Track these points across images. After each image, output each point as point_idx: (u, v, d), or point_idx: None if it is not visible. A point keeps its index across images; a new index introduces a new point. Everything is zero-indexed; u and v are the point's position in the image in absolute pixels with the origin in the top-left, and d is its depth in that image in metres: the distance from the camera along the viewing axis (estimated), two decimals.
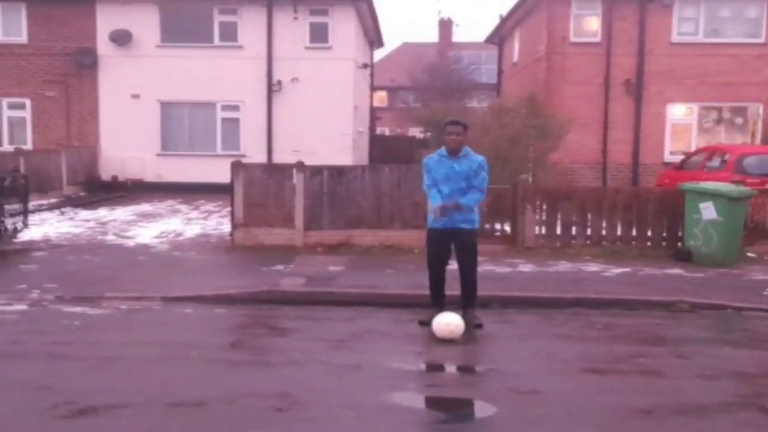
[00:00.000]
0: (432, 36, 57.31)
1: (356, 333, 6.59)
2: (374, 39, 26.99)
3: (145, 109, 19.74)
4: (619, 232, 10.51)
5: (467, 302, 6.75)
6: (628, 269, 9.21)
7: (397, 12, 78.42)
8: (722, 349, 6.32)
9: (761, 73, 18.30)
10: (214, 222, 13.47)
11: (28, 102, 20.04)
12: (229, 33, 19.81)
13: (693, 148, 17.33)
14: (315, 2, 19.74)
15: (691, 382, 5.36)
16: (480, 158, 6.73)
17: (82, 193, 18.34)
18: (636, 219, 10.49)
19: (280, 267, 9.08)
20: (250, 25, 19.69)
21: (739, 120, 18.89)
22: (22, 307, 7.29)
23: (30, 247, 10.50)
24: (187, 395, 4.84)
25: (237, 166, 10.70)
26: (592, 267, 9.37)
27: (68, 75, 19.90)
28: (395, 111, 40.69)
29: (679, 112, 18.79)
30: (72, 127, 20.03)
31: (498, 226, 10.68)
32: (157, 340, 6.24)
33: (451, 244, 6.69)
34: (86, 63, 19.69)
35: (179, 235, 11.88)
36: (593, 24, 18.64)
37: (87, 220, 13.47)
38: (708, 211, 9.58)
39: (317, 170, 10.65)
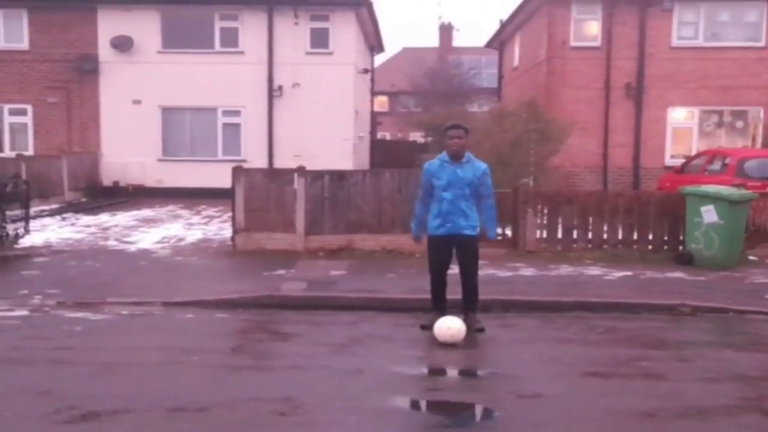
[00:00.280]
0: (432, 41, 57.35)
1: (358, 337, 6.59)
2: (375, 44, 27.04)
3: (147, 114, 19.79)
4: (620, 236, 10.51)
5: (469, 306, 6.75)
6: (629, 273, 9.21)
7: (397, 17, 78.63)
8: (724, 352, 6.31)
9: (761, 76, 18.32)
10: (215, 227, 13.49)
11: (29, 108, 20.09)
12: (230, 39, 19.87)
13: (694, 152, 17.33)
14: (316, 8, 19.81)
15: (692, 385, 5.36)
16: (484, 165, 6.74)
17: (83, 199, 18.37)
18: (637, 222, 10.49)
19: (281, 271, 9.08)
20: (251, 30, 19.75)
21: (739, 123, 18.90)
22: (24, 312, 7.29)
23: (31, 252, 10.51)
24: (188, 400, 4.84)
25: (238, 171, 10.71)
26: (594, 271, 9.37)
27: (70, 81, 19.96)
28: (396, 116, 40.70)
29: (679, 115, 18.81)
30: (73, 133, 20.07)
31: (499, 230, 10.66)
32: (159, 345, 6.24)
33: (453, 249, 6.69)
34: (87, 69, 19.74)
35: (180, 240, 11.89)
36: (593, 28, 18.68)
37: (88, 226, 13.49)
38: (709, 214, 9.58)
39: (318, 175, 10.66)
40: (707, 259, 9.61)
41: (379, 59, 35.57)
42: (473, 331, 6.52)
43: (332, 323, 7.10)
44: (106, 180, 19.82)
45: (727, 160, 13.52)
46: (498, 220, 10.61)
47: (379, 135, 35.13)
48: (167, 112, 20.04)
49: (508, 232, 10.71)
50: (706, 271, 9.34)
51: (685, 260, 9.80)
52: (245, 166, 11.84)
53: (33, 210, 13.14)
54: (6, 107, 20.12)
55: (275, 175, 11.19)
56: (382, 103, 42.26)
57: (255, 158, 19.09)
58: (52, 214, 15.03)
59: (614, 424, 4.58)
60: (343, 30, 20.00)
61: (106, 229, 13.14)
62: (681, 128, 18.82)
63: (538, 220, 10.59)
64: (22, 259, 10.11)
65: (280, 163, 18.76)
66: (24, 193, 12.08)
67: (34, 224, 12.59)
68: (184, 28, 19.87)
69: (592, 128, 18.17)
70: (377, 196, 10.55)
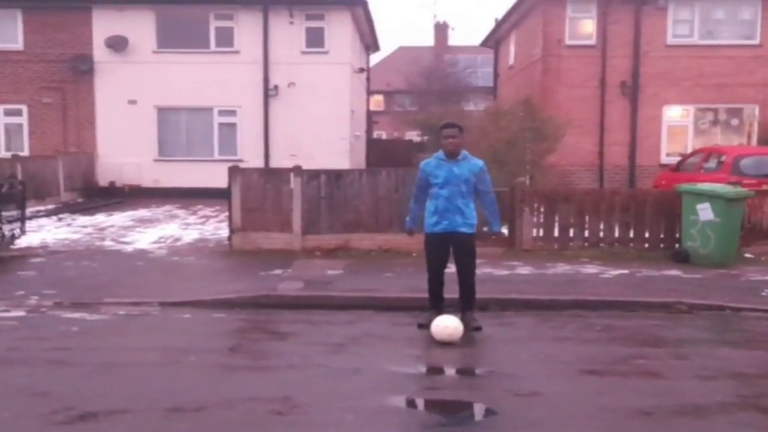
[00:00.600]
0: (428, 40, 57.33)
1: (355, 337, 6.59)
2: (370, 43, 27.03)
3: (142, 114, 19.75)
4: (616, 234, 10.54)
5: (466, 305, 6.75)
6: (626, 271, 9.22)
7: (393, 16, 78.61)
8: (720, 349, 6.33)
9: (756, 74, 18.37)
10: (211, 227, 13.47)
11: (24, 108, 20.04)
12: (226, 38, 19.84)
13: (689, 150, 17.38)
14: (311, 7, 19.79)
15: (689, 382, 5.37)
16: (480, 162, 6.75)
17: (79, 199, 18.33)
18: (633, 221, 10.51)
19: (278, 271, 9.08)
20: (247, 30, 19.73)
21: (735, 121, 18.95)
22: (21, 313, 7.27)
23: (28, 253, 10.49)
24: (186, 400, 4.84)
25: (234, 171, 10.71)
26: (590, 269, 9.39)
27: (65, 81, 19.91)
28: (392, 115, 40.73)
29: (675, 113, 18.86)
30: (69, 134, 20.03)
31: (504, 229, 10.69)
32: (156, 346, 6.24)
33: (450, 248, 6.70)
34: (83, 69, 19.70)
35: (177, 240, 11.88)
36: (588, 27, 18.70)
37: (85, 226, 13.46)
38: (705, 212, 9.60)
39: (315, 174, 10.66)
40: (703, 256, 9.63)
41: (375, 58, 35.59)
42: (470, 329, 6.52)
43: (329, 323, 7.10)
44: (102, 180, 19.78)
45: (723, 158, 13.56)
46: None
47: (376, 134, 35.15)
48: (163, 112, 20.01)
49: (505, 230, 10.70)
50: (703, 268, 9.37)
51: (682, 258, 9.82)
52: (241, 165, 11.84)
53: (29, 211, 13.09)
54: (1, 108, 20.06)
55: (272, 175, 11.18)
56: (378, 102, 42.28)
57: (251, 158, 19.08)
58: (48, 214, 15.00)
59: (612, 422, 4.59)
60: (339, 29, 19.99)
61: (102, 229, 13.12)
62: (676, 126, 18.87)
63: (535, 219, 10.61)
64: (18, 259, 10.08)
65: (276, 162, 18.76)
66: (20, 193, 12.03)
67: (30, 225, 12.55)
68: (179, 27, 19.84)
69: (588, 126, 18.20)
70: (374, 196, 10.55)
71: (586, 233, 10.56)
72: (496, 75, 27.48)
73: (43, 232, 12.50)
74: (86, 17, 19.76)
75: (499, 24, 24.67)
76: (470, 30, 77.68)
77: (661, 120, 18.71)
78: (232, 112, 19.97)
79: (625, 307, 7.61)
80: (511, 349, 6.32)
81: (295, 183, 10.53)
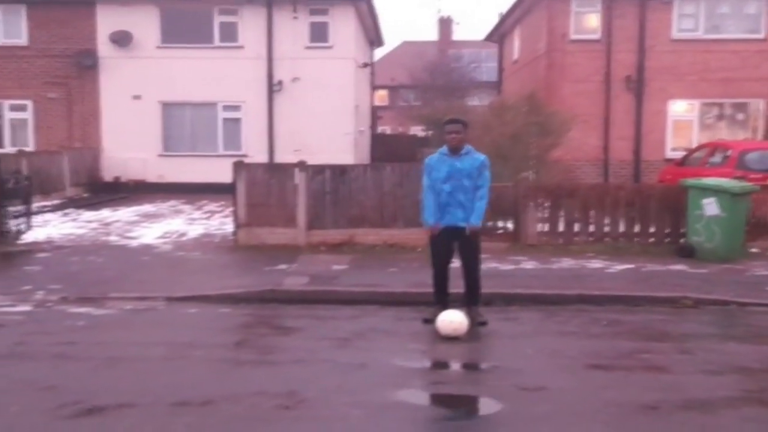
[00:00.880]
0: (432, 34, 57.30)
1: (360, 331, 6.60)
2: (374, 38, 27.00)
3: (147, 110, 19.78)
4: (621, 229, 10.52)
5: (471, 300, 6.76)
6: (631, 266, 9.22)
7: (397, 10, 78.46)
8: (726, 344, 6.33)
9: (762, 68, 18.29)
10: (216, 222, 13.49)
11: (29, 104, 20.08)
12: (230, 33, 19.83)
13: (694, 145, 17.31)
14: (315, 2, 19.76)
15: (695, 377, 5.37)
16: (482, 157, 6.73)
17: (84, 194, 18.38)
18: (638, 215, 10.50)
19: (283, 266, 9.09)
20: (250, 25, 19.72)
21: (740, 116, 18.88)
22: (27, 308, 7.30)
23: (34, 248, 10.52)
24: (192, 395, 4.86)
25: (239, 166, 10.72)
26: (596, 264, 9.38)
27: (69, 76, 19.94)
28: (396, 110, 40.69)
29: (680, 108, 18.79)
30: (74, 129, 20.06)
31: (500, 224, 10.69)
32: (162, 340, 6.25)
33: (454, 242, 6.70)
34: (87, 64, 19.72)
35: (182, 235, 11.90)
36: (593, 21, 18.63)
37: (90, 221, 13.49)
38: (710, 207, 9.58)
39: (319, 170, 10.67)
40: (709, 251, 9.61)
41: (379, 53, 35.58)
42: (476, 324, 6.53)
43: (335, 317, 7.12)
44: (107, 175, 19.83)
45: (728, 153, 13.51)
46: (499, 213, 10.71)
47: (380, 129, 35.10)
48: (167, 107, 20.03)
49: (510, 225, 10.72)
50: (708, 263, 9.35)
51: (687, 253, 9.80)
52: (246, 161, 11.83)
53: (34, 206, 13.13)
54: (6, 103, 20.10)
55: (276, 170, 11.19)
56: (382, 97, 42.23)
57: (256, 153, 19.08)
58: (53, 209, 15.04)
59: (617, 417, 4.59)
60: (343, 24, 19.96)
61: (107, 224, 13.15)
62: (682, 121, 18.80)
63: (540, 214, 10.60)
64: (24, 254, 10.12)
65: (280, 157, 18.76)
66: (25, 188, 12.07)
67: (35, 220, 12.59)
68: (183, 22, 19.83)
69: (593, 121, 18.15)
70: (378, 191, 10.55)
71: (591, 228, 10.55)
72: (500, 70, 27.43)
73: (49, 227, 12.53)
74: (90, 12, 19.78)
75: (503, 19, 24.60)
76: (474, 25, 77.50)
77: (667, 115, 18.65)
78: (237, 108, 19.98)
79: (630, 302, 7.60)
80: (517, 343, 6.32)
81: (299, 178, 10.54)
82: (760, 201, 10.43)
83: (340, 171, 10.74)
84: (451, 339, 6.21)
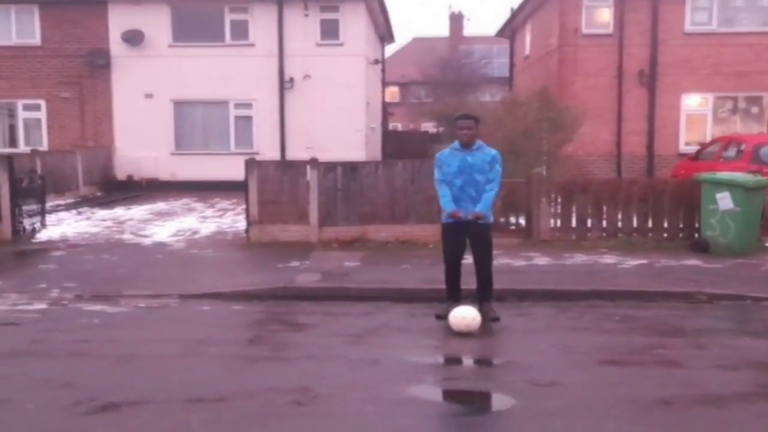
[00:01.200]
0: (443, 30, 57.10)
1: (373, 328, 6.61)
2: (385, 34, 26.96)
3: (159, 108, 19.87)
4: (635, 224, 10.47)
5: (483, 296, 6.75)
6: (644, 261, 9.17)
7: (407, 7, 78.32)
8: (741, 339, 6.29)
9: None
10: (229, 219, 13.54)
11: (43, 103, 20.22)
12: (241, 31, 19.88)
13: (708, 139, 17.20)
14: None
15: (709, 372, 5.34)
16: (494, 151, 6.72)
17: (98, 193, 18.50)
18: (652, 210, 10.44)
19: (295, 263, 9.12)
20: (261, 22, 19.75)
21: (754, 109, 18.71)
22: (43, 306, 7.37)
23: (48, 246, 10.61)
24: (206, 391, 4.89)
25: (251, 164, 10.75)
26: (609, 259, 9.34)
27: (82, 76, 20.06)
28: (407, 106, 40.64)
29: (693, 102, 18.65)
30: (87, 128, 20.20)
31: (513, 220, 10.67)
32: (176, 337, 6.30)
33: (466, 239, 6.69)
34: (99, 63, 19.84)
35: (195, 233, 11.96)
36: (605, 15, 18.51)
37: (104, 220, 13.59)
38: (724, 201, 9.51)
39: (331, 167, 10.68)
40: (723, 246, 9.55)
41: (390, 50, 35.50)
42: (488, 320, 6.52)
43: (347, 314, 7.13)
44: (120, 174, 19.95)
45: (742, 147, 13.41)
46: (511, 209, 10.70)
47: (391, 126, 35.08)
48: (179, 105, 20.11)
49: (522, 221, 10.69)
50: (722, 258, 9.29)
51: (701, 248, 9.74)
52: (257, 158, 11.86)
53: (49, 204, 13.25)
54: (20, 102, 20.26)
55: (288, 167, 11.22)
56: (393, 93, 42.17)
57: (267, 151, 19.14)
58: (67, 208, 15.15)
59: (631, 412, 4.58)
60: (353, 21, 19.96)
61: (121, 222, 13.23)
62: (695, 115, 18.66)
63: (552, 209, 10.56)
64: (39, 253, 10.21)
65: (292, 155, 18.81)
66: (39, 187, 12.18)
67: (50, 218, 12.71)
68: (194, 21, 19.90)
69: (605, 116, 18.05)
70: (390, 187, 10.55)
71: (604, 223, 10.50)
72: (511, 65, 27.32)
73: (63, 225, 12.63)
74: (102, 11, 19.88)
75: (514, 14, 24.50)
76: (485, 20, 77.20)
77: (680, 109, 18.51)
78: (248, 105, 20.03)
79: (643, 297, 7.56)
80: (529, 339, 6.31)
81: (311, 175, 10.56)
82: None
83: (351, 168, 10.75)
84: (464, 335, 6.20)
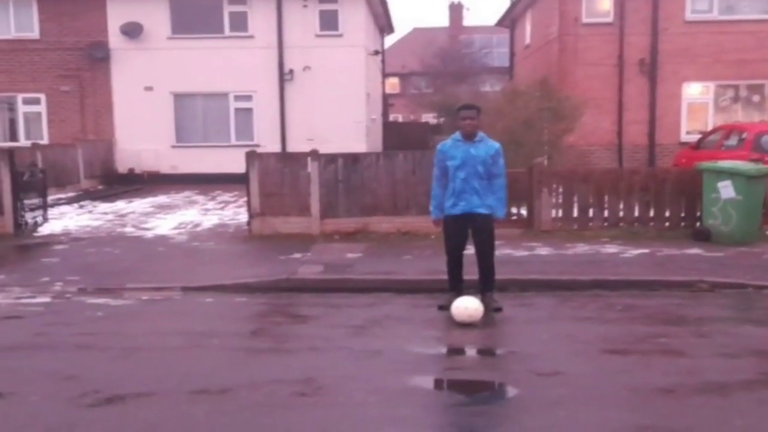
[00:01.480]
0: (443, 20, 56.96)
1: (375, 319, 6.63)
2: (384, 25, 26.89)
3: (159, 101, 19.84)
4: (636, 214, 10.47)
5: (486, 286, 6.75)
6: (646, 250, 9.17)
7: None
8: (743, 327, 6.30)
9: None
10: (230, 212, 13.56)
11: (42, 97, 20.21)
12: (240, 23, 19.83)
13: (709, 127, 17.16)
14: None
15: (712, 361, 5.36)
16: (497, 145, 6.71)
17: (99, 186, 18.52)
18: (653, 200, 10.44)
19: (297, 255, 9.13)
20: (260, 14, 19.70)
21: (756, 98, 18.67)
22: (46, 299, 7.39)
23: (51, 240, 10.63)
24: (210, 383, 4.91)
25: (252, 156, 10.75)
26: (610, 249, 9.34)
27: (81, 69, 20.03)
28: (408, 97, 40.61)
29: (694, 91, 18.60)
30: (87, 121, 20.18)
31: (514, 210, 10.66)
32: (179, 330, 6.31)
33: (468, 229, 6.69)
34: (99, 57, 19.80)
35: (197, 225, 11.97)
36: (605, 4, 18.45)
37: (105, 213, 13.61)
38: (726, 189, 9.51)
39: (332, 158, 10.68)
40: (725, 234, 9.55)
41: (390, 40, 35.44)
42: (491, 310, 6.54)
43: (350, 305, 7.15)
44: (121, 167, 19.95)
45: (744, 135, 13.38)
46: (513, 199, 10.66)
47: (392, 117, 35.05)
48: (179, 98, 20.09)
49: (524, 211, 10.69)
50: (724, 247, 9.29)
51: (703, 236, 9.75)
52: (258, 150, 11.85)
53: (50, 198, 13.27)
54: (20, 96, 20.24)
55: (289, 159, 11.22)
56: (393, 84, 42.11)
57: (268, 143, 19.12)
58: (69, 201, 15.17)
59: (634, 401, 4.60)
60: (353, 12, 19.90)
61: (123, 216, 13.25)
62: (696, 103, 18.62)
63: (553, 200, 10.56)
64: (41, 246, 10.23)
65: (293, 147, 18.79)
66: (41, 181, 12.19)
67: (51, 212, 12.72)
68: (193, 13, 19.85)
69: (606, 105, 18.01)
70: (391, 179, 10.55)
71: (606, 213, 10.50)
72: (512, 55, 27.26)
73: (65, 219, 12.64)
74: (101, 4, 19.83)
75: (514, 3, 24.41)
76: (485, 10, 76.93)
77: (681, 97, 18.47)
78: (248, 97, 20.00)
79: (646, 287, 7.57)
80: (532, 329, 6.32)
81: (312, 167, 10.55)
82: None
83: (352, 159, 10.74)
84: (466, 325, 6.22)
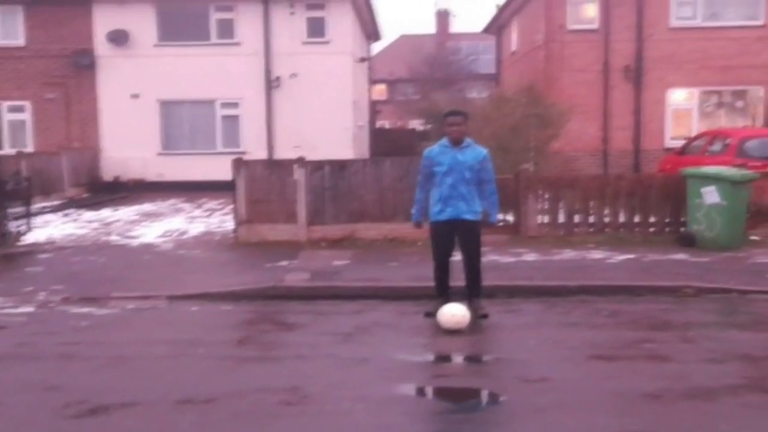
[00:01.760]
0: (430, 27, 57.18)
1: (362, 326, 6.61)
2: (372, 32, 26.95)
3: (145, 108, 19.75)
4: (622, 219, 10.52)
5: (473, 292, 6.75)
6: (632, 255, 9.21)
7: (394, 4, 78.18)
8: (728, 332, 6.34)
9: (761, 55, 18.23)
10: (217, 220, 13.49)
11: (28, 105, 20.06)
12: (226, 30, 19.80)
13: (694, 133, 17.28)
14: None
15: (697, 365, 5.38)
16: (485, 150, 6.72)
17: (84, 194, 18.38)
18: (639, 205, 10.49)
19: (284, 263, 9.10)
20: (247, 21, 19.68)
21: (740, 104, 18.84)
22: (30, 309, 7.31)
23: (35, 249, 10.53)
24: (196, 392, 4.87)
25: (238, 163, 10.71)
26: (597, 254, 9.38)
27: (67, 76, 19.91)
28: (395, 104, 40.60)
29: (679, 97, 18.75)
30: (73, 129, 20.05)
31: (501, 216, 10.65)
32: (165, 339, 6.27)
33: (455, 235, 6.69)
34: (85, 64, 19.69)
35: (183, 233, 11.91)
36: (591, 11, 18.58)
37: (91, 221, 13.50)
38: (711, 195, 9.57)
39: (319, 165, 10.66)
40: (710, 240, 9.61)
41: (377, 47, 35.50)
42: (478, 317, 6.53)
43: (337, 313, 7.13)
44: (107, 175, 19.82)
45: (728, 141, 13.49)
46: (499, 205, 10.68)
47: (379, 123, 35.06)
48: (166, 105, 20.01)
49: (510, 218, 10.71)
50: (709, 252, 9.35)
51: (688, 242, 9.80)
52: (245, 158, 11.83)
53: (35, 207, 13.14)
54: (5, 104, 20.08)
55: (276, 167, 11.18)
56: (380, 91, 42.12)
57: (255, 150, 19.07)
58: (54, 210, 15.04)
59: (621, 406, 4.60)
60: (340, 19, 19.92)
61: (108, 224, 13.15)
62: (681, 110, 18.76)
63: (540, 206, 10.59)
64: (25, 255, 10.13)
65: (280, 154, 18.75)
66: (25, 190, 12.08)
67: (36, 221, 12.60)
68: (180, 20, 19.80)
69: (592, 112, 18.12)
70: (378, 185, 10.55)
71: (592, 219, 10.54)
72: (498, 61, 27.39)
73: (50, 227, 12.53)
74: (87, 12, 19.74)
75: (500, 10, 24.55)
76: (472, 17, 77.18)
77: (666, 103, 18.61)
78: (235, 105, 19.96)
79: (632, 292, 7.60)
80: (519, 335, 6.33)
81: (299, 174, 10.54)
82: (761, 189, 10.40)
83: (339, 166, 10.73)
84: (453, 332, 6.21)
